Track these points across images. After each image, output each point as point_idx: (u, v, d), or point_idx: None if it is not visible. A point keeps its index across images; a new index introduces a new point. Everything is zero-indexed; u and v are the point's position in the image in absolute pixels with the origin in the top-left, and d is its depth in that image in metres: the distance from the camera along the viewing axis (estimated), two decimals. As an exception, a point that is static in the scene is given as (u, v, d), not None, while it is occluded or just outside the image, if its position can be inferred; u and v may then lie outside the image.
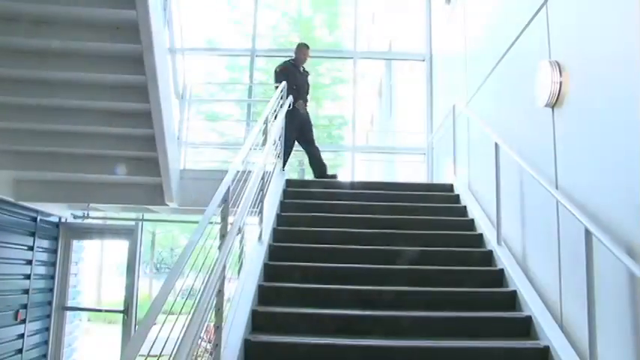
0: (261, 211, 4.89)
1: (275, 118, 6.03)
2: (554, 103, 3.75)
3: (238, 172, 3.98)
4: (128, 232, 8.91)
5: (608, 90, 3.14)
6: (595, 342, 2.97)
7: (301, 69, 7.47)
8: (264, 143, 5.30)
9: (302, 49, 7.46)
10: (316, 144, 7.41)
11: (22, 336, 7.52)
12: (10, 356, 7.29)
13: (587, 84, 3.41)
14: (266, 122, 5.44)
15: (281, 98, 6.60)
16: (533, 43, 4.24)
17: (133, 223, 9.30)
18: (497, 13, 5.38)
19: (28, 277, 7.69)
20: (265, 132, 5.42)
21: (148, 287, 21.50)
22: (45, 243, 8.24)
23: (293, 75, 7.22)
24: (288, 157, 7.04)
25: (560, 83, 3.67)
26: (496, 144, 4.76)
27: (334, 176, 7.35)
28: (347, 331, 3.78)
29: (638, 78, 2.83)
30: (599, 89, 3.24)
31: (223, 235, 3.33)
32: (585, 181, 3.39)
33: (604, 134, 3.17)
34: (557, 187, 3.69)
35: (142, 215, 9.66)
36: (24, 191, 7.06)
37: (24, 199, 7.19)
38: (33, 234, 7.82)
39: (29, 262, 7.73)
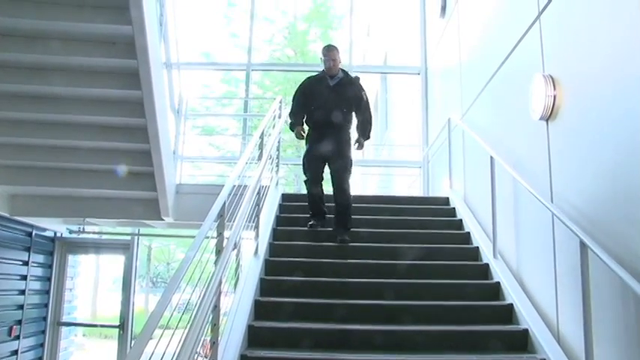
0: (257, 226, 4.89)
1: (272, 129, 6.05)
2: (549, 117, 3.77)
3: (234, 186, 3.98)
4: (124, 247, 8.90)
5: (602, 103, 3.16)
6: (591, 355, 2.97)
7: (332, 80, 5.51)
8: (260, 157, 5.30)
9: (322, 52, 5.59)
10: (345, 186, 5.38)
11: (15, 352, 7.48)
12: (4, 373, 7.25)
13: (581, 97, 3.43)
14: (262, 136, 5.46)
15: (279, 117, 6.59)
16: (527, 56, 4.27)
17: (128, 237, 9.29)
18: (491, 26, 5.42)
19: (22, 292, 7.66)
20: (261, 146, 5.43)
21: (144, 302, 21.41)
22: (40, 258, 8.22)
23: (310, 92, 5.55)
24: (315, 204, 5.53)
25: (554, 97, 3.69)
26: (491, 157, 4.78)
27: (345, 240, 5.20)
28: (344, 345, 3.77)
29: (632, 91, 2.85)
30: (593, 102, 3.26)
31: (219, 251, 3.34)
32: (580, 194, 3.40)
33: (598, 147, 3.18)
34: (552, 200, 3.70)
35: (138, 230, 9.62)
36: (19, 206, 7.05)
37: (19, 214, 7.17)
38: (28, 249, 7.80)
39: (24, 278, 7.70)
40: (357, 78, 5.64)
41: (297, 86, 5.75)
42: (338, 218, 5.34)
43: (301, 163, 5.62)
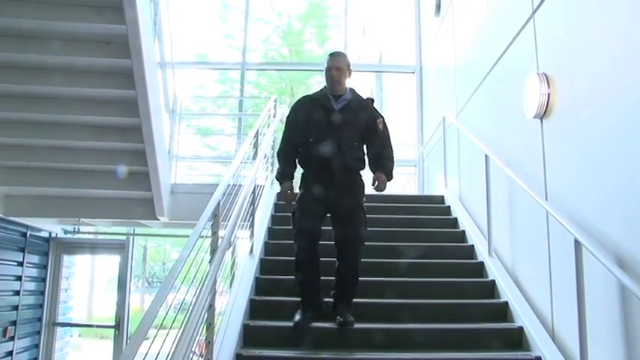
0: (252, 225, 4.89)
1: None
2: (543, 115, 3.78)
3: (229, 185, 3.98)
4: (119, 247, 8.87)
5: (596, 100, 3.17)
6: (586, 353, 2.97)
7: (338, 101, 3.93)
8: (255, 157, 5.30)
9: (326, 61, 4.00)
10: (356, 251, 3.88)
11: (10, 353, 7.44)
12: (-1, 374, 7.23)
13: (576, 95, 3.44)
14: (257, 135, 5.45)
15: (274, 116, 6.53)
16: (522, 55, 4.28)
17: (124, 237, 9.27)
18: (485, 25, 5.43)
19: (17, 293, 7.63)
20: (256, 145, 5.42)
21: (139, 302, 21.40)
22: (35, 258, 8.19)
23: (307, 118, 3.93)
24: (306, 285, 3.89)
25: (549, 95, 3.70)
26: (486, 155, 4.79)
27: (348, 322, 3.73)
28: (339, 344, 3.77)
29: (627, 87, 2.86)
30: (588, 100, 3.27)
31: (214, 250, 3.33)
32: (574, 192, 3.41)
33: (592, 145, 3.19)
34: (546, 198, 3.71)
35: (133, 230, 9.62)
36: (13, 206, 7.02)
37: (13, 215, 7.14)
38: (23, 249, 7.77)
39: (19, 278, 7.67)
40: (371, 100, 4.12)
41: (289, 110, 4.22)
42: (340, 291, 3.92)
43: (291, 215, 3.97)
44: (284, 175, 4.01)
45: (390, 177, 3.99)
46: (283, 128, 4.17)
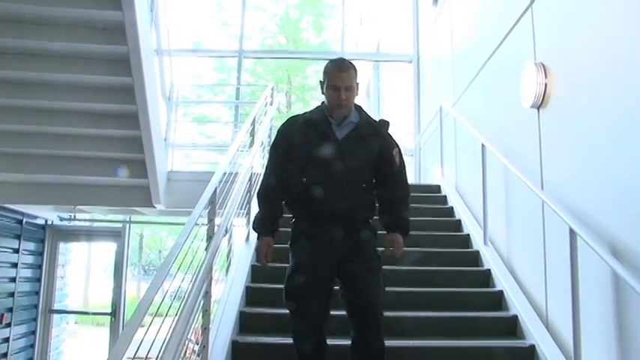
0: (248, 213, 4.89)
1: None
2: (540, 104, 3.78)
3: (225, 173, 3.97)
4: (115, 234, 8.87)
5: (592, 91, 3.17)
6: (579, 341, 2.99)
7: (341, 125, 2.92)
8: (251, 144, 5.29)
9: (328, 71, 2.91)
10: (378, 323, 2.99)
11: (7, 340, 7.47)
12: (-5, 360, 7.25)
13: (572, 85, 3.44)
14: (253, 123, 5.43)
15: (270, 104, 6.51)
16: (519, 44, 4.27)
17: (120, 225, 9.26)
18: (483, 15, 5.42)
19: (13, 280, 7.64)
20: (253, 133, 5.41)
21: (136, 290, 21.43)
22: (31, 245, 8.19)
23: (300, 149, 2.93)
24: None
25: (546, 84, 3.70)
26: (482, 145, 4.79)
27: None
28: (337, 331, 3.77)
29: (623, 79, 2.86)
30: (584, 90, 3.27)
31: (210, 237, 3.33)
32: (570, 182, 3.42)
33: (589, 135, 3.20)
34: (542, 188, 3.72)
35: (130, 217, 9.60)
36: (9, 193, 6.99)
37: (9, 202, 7.13)
38: (18, 236, 7.77)
39: (15, 265, 7.68)
40: (386, 123, 3.08)
41: (275, 135, 3.21)
42: None
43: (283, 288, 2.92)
44: (264, 225, 2.99)
45: (407, 233, 3.00)
46: (267, 158, 3.13)
